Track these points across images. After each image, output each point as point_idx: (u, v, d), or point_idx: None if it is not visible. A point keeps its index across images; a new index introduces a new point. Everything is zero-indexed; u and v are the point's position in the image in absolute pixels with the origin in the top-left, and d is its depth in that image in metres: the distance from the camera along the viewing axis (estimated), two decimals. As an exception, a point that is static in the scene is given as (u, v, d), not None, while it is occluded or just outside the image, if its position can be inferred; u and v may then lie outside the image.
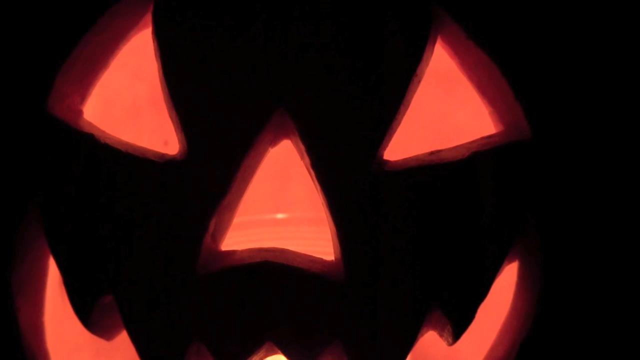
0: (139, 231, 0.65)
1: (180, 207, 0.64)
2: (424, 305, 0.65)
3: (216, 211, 0.64)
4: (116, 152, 0.66)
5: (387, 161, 0.65)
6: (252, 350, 0.64)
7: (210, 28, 0.65)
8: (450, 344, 0.66)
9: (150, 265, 0.65)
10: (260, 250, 0.66)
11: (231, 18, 0.65)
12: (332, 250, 0.65)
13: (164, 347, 0.65)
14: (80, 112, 0.70)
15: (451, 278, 0.65)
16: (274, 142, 0.67)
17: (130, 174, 0.65)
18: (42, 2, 0.72)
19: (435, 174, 0.65)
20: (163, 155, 0.66)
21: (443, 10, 0.67)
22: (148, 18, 0.67)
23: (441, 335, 0.67)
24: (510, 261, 0.68)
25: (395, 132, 0.65)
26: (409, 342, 0.65)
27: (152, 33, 0.66)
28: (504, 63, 0.67)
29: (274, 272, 0.64)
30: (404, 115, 0.65)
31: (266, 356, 0.66)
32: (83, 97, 0.70)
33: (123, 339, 0.67)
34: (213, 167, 0.64)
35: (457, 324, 0.65)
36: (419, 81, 0.66)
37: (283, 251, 0.66)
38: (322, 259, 0.65)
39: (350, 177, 0.64)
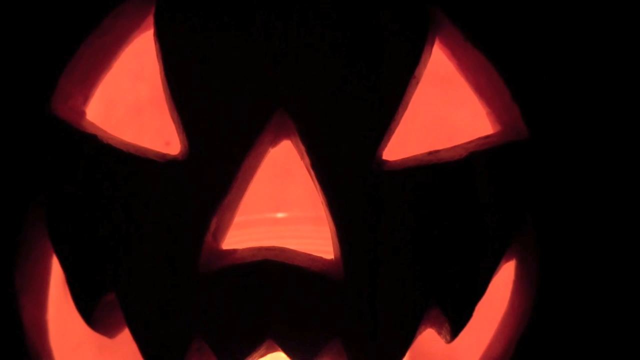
0: (140, 230, 0.65)
1: (181, 206, 0.64)
2: (423, 304, 0.65)
3: (217, 210, 0.65)
4: (118, 152, 0.66)
5: (386, 161, 0.65)
6: (253, 348, 0.64)
7: (210, 29, 0.65)
8: (449, 342, 0.67)
9: (152, 264, 0.65)
10: (260, 249, 0.66)
11: (231, 19, 0.65)
12: (331, 249, 0.65)
13: (165, 344, 0.65)
14: (83, 113, 0.70)
15: (449, 276, 0.65)
16: (274, 142, 0.67)
17: (132, 173, 0.65)
18: (45, 3, 0.72)
19: (434, 173, 0.65)
20: (164, 155, 0.66)
21: (441, 12, 0.67)
22: (150, 20, 0.67)
23: (439, 333, 0.67)
24: (508, 260, 0.68)
25: (394, 132, 0.65)
26: (408, 339, 0.65)
27: (154, 35, 0.66)
28: (501, 64, 0.67)
29: (274, 271, 0.64)
30: (402, 115, 0.65)
31: (266, 353, 0.66)
32: (86, 98, 0.70)
33: (125, 336, 0.67)
34: (214, 167, 0.64)
35: (455, 322, 0.66)
36: (418, 82, 0.66)
37: (283, 250, 0.66)
38: (321, 258, 0.66)
39: (349, 177, 0.64)
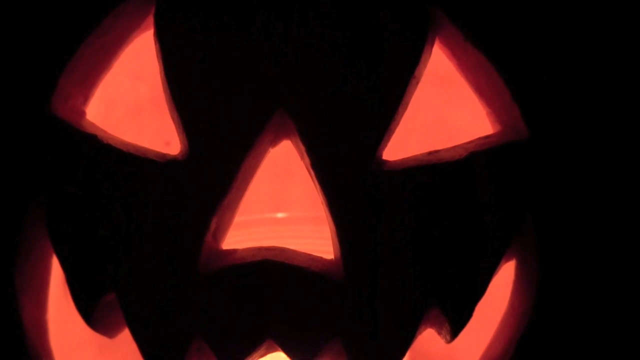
0: (140, 230, 0.65)
1: (181, 206, 0.65)
2: (423, 304, 0.65)
3: (217, 210, 0.65)
4: (118, 152, 0.66)
5: (386, 161, 0.65)
6: (253, 348, 0.65)
7: (210, 29, 0.65)
8: (449, 342, 0.67)
9: (151, 264, 0.65)
10: (260, 249, 0.66)
11: (231, 19, 0.65)
12: (331, 249, 0.65)
13: (165, 344, 0.65)
14: (83, 113, 0.70)
15: (449, 276, 0.65)
16: (274, 142, 0.67)
17: (132, 173, 0.66)
18: (45, 3, 0.73)
19: (434, 173, 0.65)
20: (164, 155, 0.66)
21: (441, 12, 0.67)
22: (150, 20, 0.68)
23: (439, 333, 0.67)
24: (508, 260, 0.69)
25: (394, 132, 0.65)
26: (408, 339, 0.65)
27: (154, 35, 0.66)
28: (501, 64, 0.67)
29: (274, 271, 0.64)
30: (402, 115, 0.66)
31: (266, 353, 0.66)
32: (86, 98, 0.70)
33: (125, 336, 0.67)
34: (214, 167, 0.64)
35: (455, 322, 0.66)
36: (418, 82, 0.66)
37: (283, 250, 0.66)
38: (321, 258, 0.66)
39: (349, 176, 0.64)
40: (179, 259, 0.65)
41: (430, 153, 0.66)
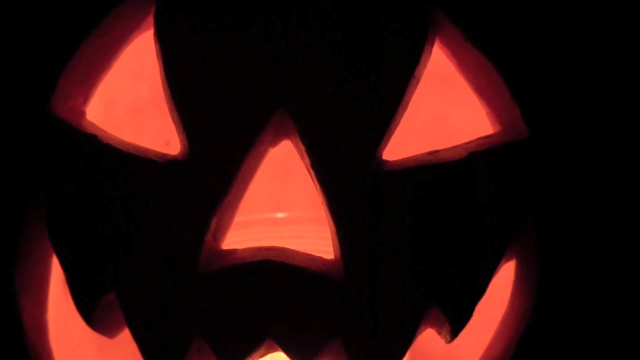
0: (140, 230, 0.65)
1: (181, 206, 0.65)
2: (423, 304, 0.65)
3: (217, 210, 0.65)
4: (118, 152, 0.66)
5: (386, 161, 0.65)
6: (253, 348, 0.65)
7: (210, 29, 0.65)
8: (449, 342, 0.67)
9: (151, 264, 0.65)
10: (260, 249, 0.66)
11: (231, 19, 0.65)
12: (331, 249, 0.65)
13: (165, 344, 0.65)
14: (83, 113, 0.70)
15: (449, 276, 0.65)
16: (274, 142, 0.67)
17: (132, 173, 0.66)
18: (45, 3, 0.73)
19: (434, 173, 0.65)
20: (164, 155, 0.66)
21: (441, 12, 0.67)
22: (150, 20, 0.68)
23: (439, 333, 0.67)
24: (508, 260, 0.69)
25: (394, 132, 0.65)
26: (408, 339, 0.65)
27: (154, 35, 0.67)
28: (501, 64, 0.67)
29: (274, 271, 0.64)
30: (402, 115, 0.66)
31: (266, 353, 0.66)
32: (86, 98, 0.70)
33: (125, 336, 0.67)
34: (214, 167, 0.65)
35: (455, 322, 0.66)
36: (418, 82, 0.66)
37: (283, 250, 0.66)
38: (321, 258, 0.66)
39: (349, 176, 0.64)
40: (179, 259, 0.65)
41: (430, 153, 0.66)
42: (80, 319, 0.68)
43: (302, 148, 0.65)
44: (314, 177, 0.65)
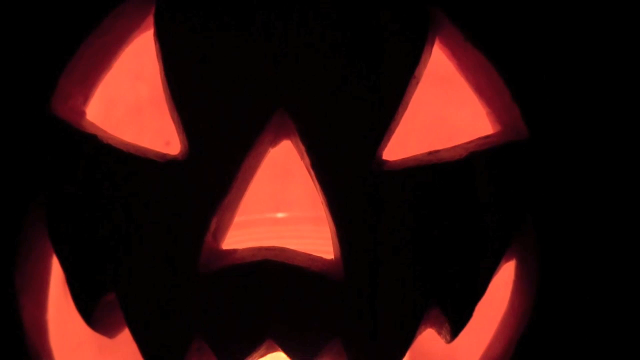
0: (140, 230, 0.65)
1: (181, 206, 0.65)
2: (423, 304, 0.65)
3: (217, 210, 0.65)
4: (118, 152, 0.66)
5: (386, 161, 0.65)
6: (253, 348, 0.65)
7: (210, 29, 0.65)
8: (448, 342, 0.67)
9: (152, 264, 0.65)
10: (260, 249, 0.66)
11: (231, 19, 0.65)
12: (331, 249, 0.65)
13: (165, 344, 0.65)
14: (83, 113, 0.70)
15: (449, 276, 0.65)
16: (274, 142, 0.67)
17: (132, 173, 0.66)
18: (46, 3, 0.73)
19: (434, 173, 0.65)
20: (164, 155, 0.66)
21: (441, 13, 0.67)
22: (150, 20, 0.68)
23: (439, 333, 0.67)
24: (508, 260, 0.69)
25: (394, 132, 0.66)
26: (408, 339, 0.65)
27: (154, 35, 0.67)
28: (501, 64, 0.67)
29: (274, 271, 0.64)
30: (402, 115, 0.66)
31: (266, 353, 0.66)
32: (86, 98, 0.70)
33: (125, 336, 0.67)
34: (214, 167, 0.65)
35: (455, 322, 0.66)
36: (418, 82, 0.66)
37: (283, 250, 0.66)
38: (321, 258, 0.66)
39: (349, 176, 0.64)
40: (179, 259, 0.65)
41: (430, 153, 0.66)
42: (80, 319, 0.68)
43: (302, 148, 0.65)
44: (314, 177, 0.65)
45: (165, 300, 0.65)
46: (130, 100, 0.77)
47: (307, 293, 0.64)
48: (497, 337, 0.71)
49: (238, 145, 0.65)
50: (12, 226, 0.70)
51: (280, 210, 0.87)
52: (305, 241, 0.76)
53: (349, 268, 0.64)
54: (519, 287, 0.70)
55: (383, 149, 0.65)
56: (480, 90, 0.69)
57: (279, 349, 0.65)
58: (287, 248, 0.66)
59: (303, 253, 0.66)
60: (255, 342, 0.65)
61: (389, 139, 0.65)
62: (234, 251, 0.66)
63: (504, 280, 0.70)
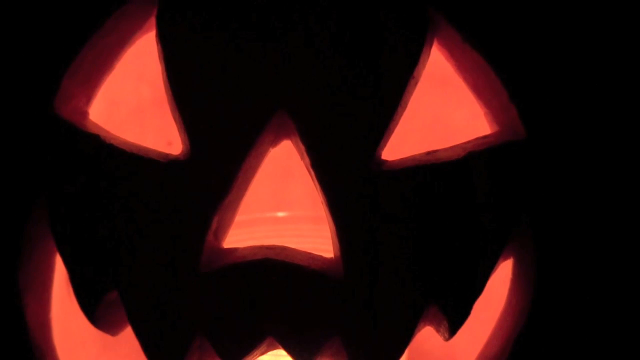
0: (142, 229, 0.65)
1: (183, 205, 0.65)
2: (421, 302, 0.65)
3: (218, 210, 0.65)
4: (121, 152, 0.66)
5: (385, 161, 0.65)
6: (254, 346, 0.65)
7: (212, 31, 0.66)
8: (447, 340, 0.67)
9: (154, 263, 0.65)
10: (261, 247, 0.66)
11: (232, 20, 0.65)
12: (331, 247, 0.66)
13: (167, 342, 0.66)
14: (86, 113, 0.70)
15: (448, 275, 0.65)
16: (274, 142, 0.67)
17: (134, 173, 0.66)
18: (48, 4, 0.73)
19: (432, 173, 0.65)
20: (166, 155, 0.66)
21: (440, 14, 0.67)
22: (152, 22, 0.68)
23: (438, 331, 0.67)
24: (505, 258, 0.69)
25: (392, 132, 0.66)
26: (407, 337, 0.65)
27: (156, 36, 0.67)
28: (499, 65, 0.68)
29: (274, 269, 0.65)
30: (401, 116, 0.66)
31: (267, 351, 0.66)
32: (89, 99, 0.70)
33: (128, 334, 0.67)
34: (215, 166, 0.65)
35: (453, 320, 0.66)
36: (416, 83, 0.66)
37: (284, 249, 0.66)
38: (321, 257, 0.66)
39: (349, 176, 0.64)
40: (180, 258, 0.65)
41: (428, 153, 0.66)
42: (83, 317, 0.68)
43: (302, 148, 0.65)
44: (314, 177, 0.65)
45: (167, 299, 0.65)
46: (132, 101, 0.77)
47: (307, 291, 0.64)
48: (495, 335, 0.71)
49: (239, 145, 0.65)
50: (16, 226, 0.70)
51: (281, 209, 0.87)
52: (306, 240, 0.76)
53: (349, 266, 0.64)
54: (516, 285, 0.70)
55: (382, 149, 0.65)
56: (478, 90, 0.69)
57: (280, 346, 0.65)
58: (287, 247, 0.66)
59: (303, 252, 0.66)
60: (256, 340, 0.65)
61: (388, 139, 0.66)
62: (235, 250, 0.66)
63: (501, 279, 0.70)
